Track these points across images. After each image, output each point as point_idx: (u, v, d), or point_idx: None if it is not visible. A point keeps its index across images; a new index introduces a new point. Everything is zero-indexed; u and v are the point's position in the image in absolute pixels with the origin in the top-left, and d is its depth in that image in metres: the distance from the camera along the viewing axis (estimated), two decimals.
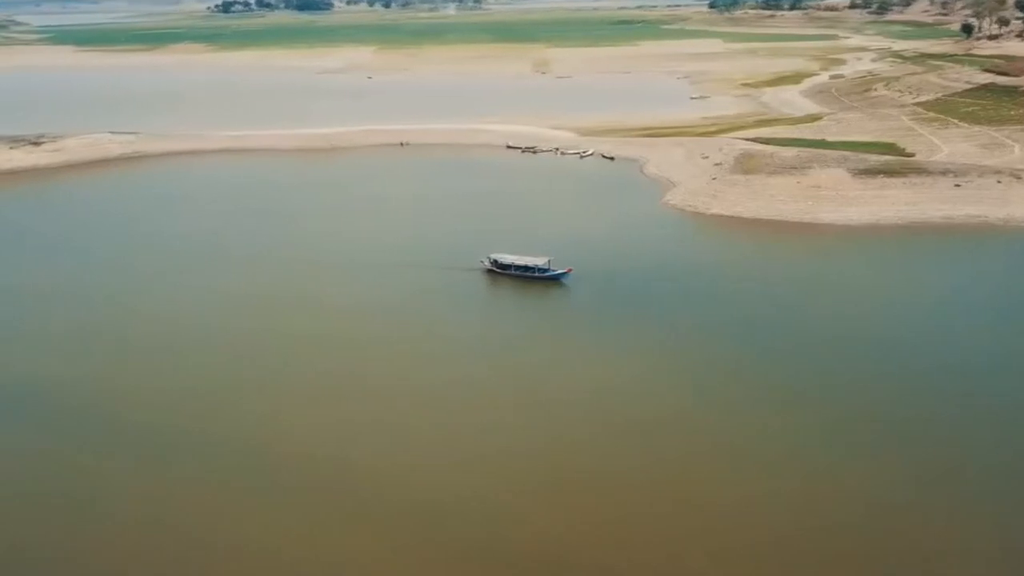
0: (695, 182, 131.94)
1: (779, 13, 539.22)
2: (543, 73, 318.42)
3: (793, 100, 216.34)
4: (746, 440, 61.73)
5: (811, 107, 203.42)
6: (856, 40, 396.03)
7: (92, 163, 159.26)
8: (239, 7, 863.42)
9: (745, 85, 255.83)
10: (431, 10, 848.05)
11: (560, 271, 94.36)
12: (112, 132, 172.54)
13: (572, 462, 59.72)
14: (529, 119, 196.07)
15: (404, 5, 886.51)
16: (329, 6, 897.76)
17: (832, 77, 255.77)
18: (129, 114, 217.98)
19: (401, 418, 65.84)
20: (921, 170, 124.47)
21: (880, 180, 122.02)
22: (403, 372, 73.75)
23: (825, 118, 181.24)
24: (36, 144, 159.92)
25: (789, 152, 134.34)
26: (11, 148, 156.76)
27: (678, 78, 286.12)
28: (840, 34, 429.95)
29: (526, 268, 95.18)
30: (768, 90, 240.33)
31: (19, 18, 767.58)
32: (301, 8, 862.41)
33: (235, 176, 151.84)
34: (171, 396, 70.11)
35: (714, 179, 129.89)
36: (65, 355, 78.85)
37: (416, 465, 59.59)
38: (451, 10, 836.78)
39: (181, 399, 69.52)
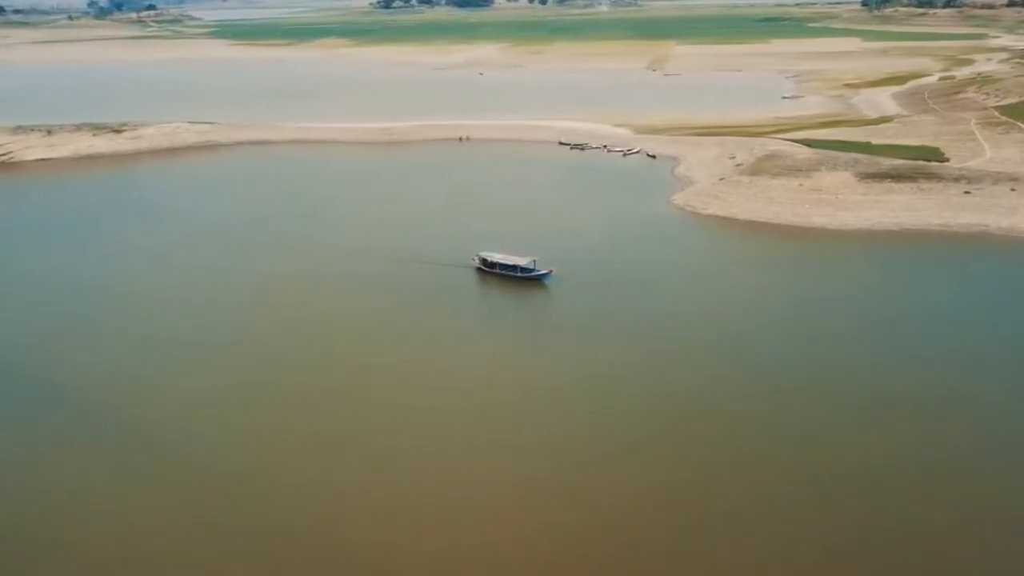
0: (708, 182, 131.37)
1: (931, 11, 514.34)
2: (654, 70, 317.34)
3: (881, 102, 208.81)
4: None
5: (892, 109, 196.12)
6: (1004, 40, 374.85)
7: (167, 150, 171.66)
8: (400, 3, 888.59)
9: (847, 85, 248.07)
10: (585, 7, 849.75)
11: (542, 272, 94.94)
12: (191, 122, 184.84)
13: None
14: (596, 116, 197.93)
15: (561, 2, 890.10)
16: (489, 2, 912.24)
17: (941, 79, 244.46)
18: (230, 104, 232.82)
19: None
20: (933, 175, 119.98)
21: (887, 185, 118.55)
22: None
23: (895, 120, 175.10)
24: (118, 132, 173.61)
25: (804, 154, 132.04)
26: (94, 135, 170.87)
27: (787, 77, 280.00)
28: (990, 33, 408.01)
29: (510, 267, 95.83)
30: (865, 91, 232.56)
31: (196, 13, 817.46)
32: (461, 4, 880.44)
33: (291, 165, 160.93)
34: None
35: (722, 179, 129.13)
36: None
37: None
38: (604, 7, 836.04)
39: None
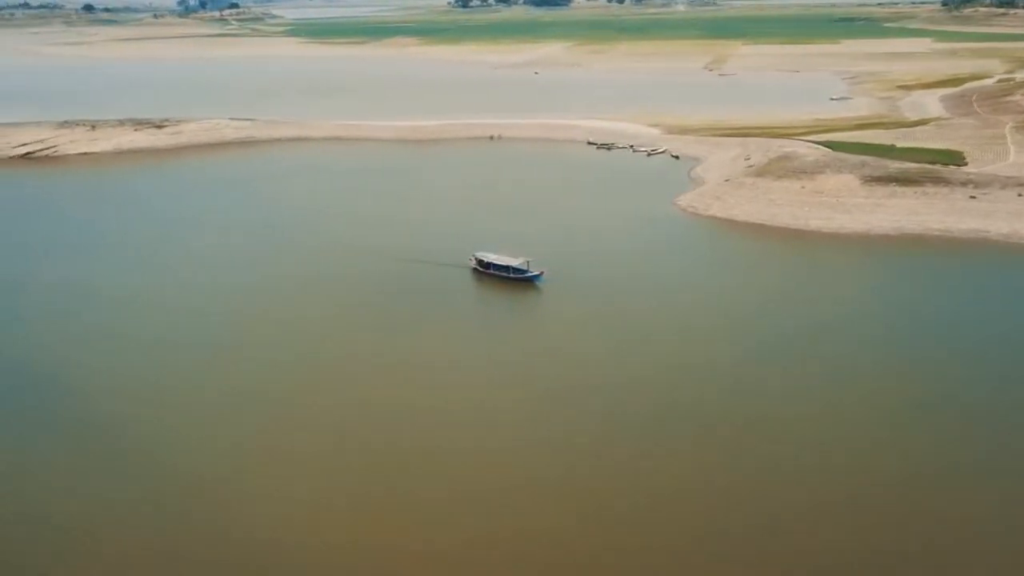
0: (715, 183, 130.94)
1: (1012, 11, 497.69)
2: (710, 70, 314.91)
3: (927, 104, 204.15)
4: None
5: (935, 112, 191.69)
6: None
7: (205, 146, 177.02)
8: (477, 2, 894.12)
9: (900, 87, 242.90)
10: (663, 6, 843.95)
11: (534, 273, 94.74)
12: (231, 118, 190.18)
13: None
14: (632, 115, 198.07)
15: (638, 1, 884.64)
16: (567, 1, 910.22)
17: (999, 81, 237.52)
18: (281, 101, 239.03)
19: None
20: (940, 180, 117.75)
21: (890, 188, 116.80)
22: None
23: (932, 123, 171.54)
24: (159, 127, 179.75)
25: (814, 156, 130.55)
26: (135, 130, 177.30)
27: (843, 78, 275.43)
28: None
29: (503, 268, 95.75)
30: (917, 93, 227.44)
31: (278, 11, 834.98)
32: (538, 4, 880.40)
33: (320, 161, 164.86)
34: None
35: (727, 181, 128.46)
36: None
37: None
38: (681, 6, 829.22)
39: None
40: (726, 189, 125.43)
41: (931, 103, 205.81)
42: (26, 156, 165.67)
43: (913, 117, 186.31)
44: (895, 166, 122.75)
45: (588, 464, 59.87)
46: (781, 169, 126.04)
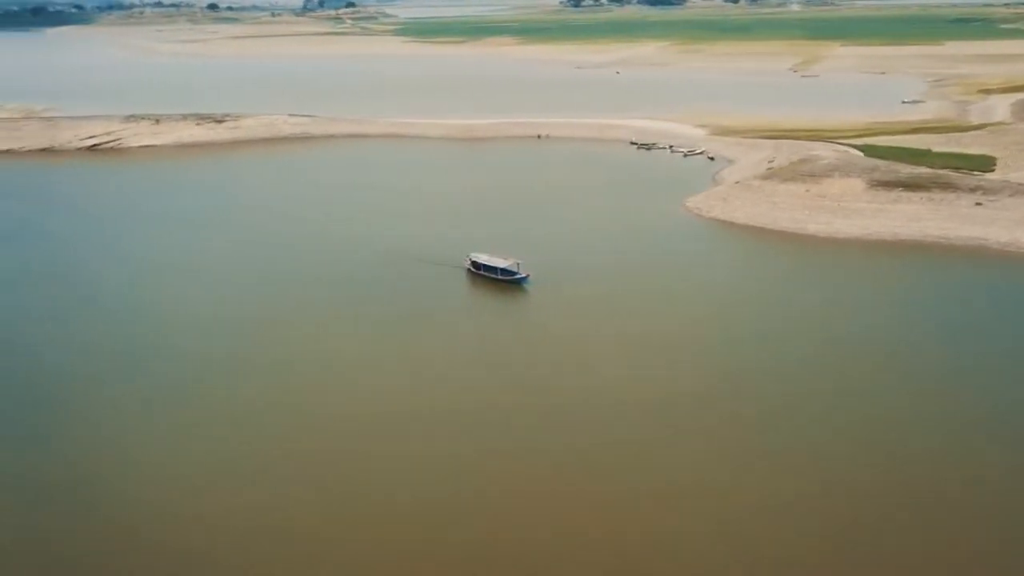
0: (727, 185, 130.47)
1: None
2: (794, 71, 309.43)
3: (994, 109, 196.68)
4: None
5: (1000, 116, 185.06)
6: None
7: (262, 141, 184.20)
8: (589, 2, 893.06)
9: (981, 91, 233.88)
10: (778, 5, 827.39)
11: (522, 275, 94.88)
12: (290, 114, 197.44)
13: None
14: (682, 116, 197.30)
15: (753, 1, 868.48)
16: (682, 0, 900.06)
17: None
18: (353, 97, 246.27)
19: None
20: (948, 185, 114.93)
21: (896, 193, 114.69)
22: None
23: (987, 128, 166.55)
24: (219, 122, 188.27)
25: (828, 159, 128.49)
26: (197, 125, 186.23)
27: (927, 81, 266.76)
28: None
29: (491, 269, 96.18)
30: (994, 97, 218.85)
31: (391, 10, 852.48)
32: (652, 3, 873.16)
33: (365, 157, 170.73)
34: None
35: (736, 183, 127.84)
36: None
37: None
38: (796, 6, 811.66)
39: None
40: (733, 191, 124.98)
41: (1001, 108, 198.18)
42: (92, 148, 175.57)
43: (976, 121, 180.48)
44: (907, 171, 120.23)
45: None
46: (793, 172, 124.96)
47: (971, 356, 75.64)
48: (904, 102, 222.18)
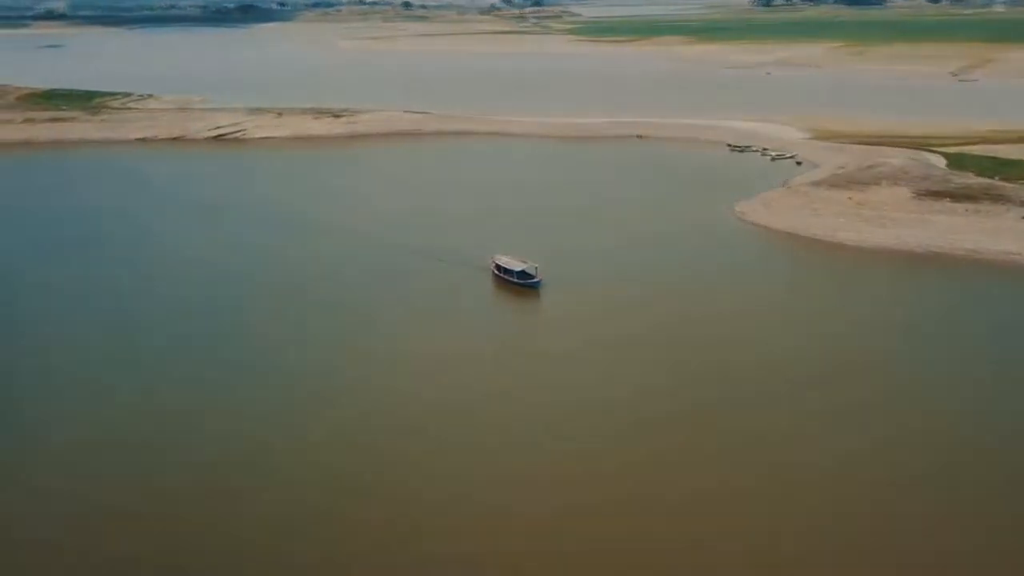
0: (778, 190, 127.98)
1: None
2: (954, 75, 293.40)
3: None
4: None
5: None
6: None
7: (375, 135, 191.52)
8: (781, 1, 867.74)
9: None
10: (983, 6, 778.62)
11: (535, 279, 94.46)
12: (406, 110, 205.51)
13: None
14: (787, 118, 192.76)
15: (955, 2, 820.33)
16: (881, 1, 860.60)
17: None
18: (484, 94, 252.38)
19: None
20: (1000, 197, 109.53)
21: (943, 203, 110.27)
22: None
23: None
24: (336, 117, 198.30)
25: (890, 167, 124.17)
26: (314, 119, 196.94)
27: None
28: None
29: (508, 271, 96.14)
30: None
31: (576, 9, 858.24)
32: (850, 3, 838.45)
33: (465, 155, 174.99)
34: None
35: (785, 187, 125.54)
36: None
37: None
38: (1000, 7, 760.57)
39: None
40: (779, 196, 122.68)
41: None
42: (217, 138, 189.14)
43: None
44: (959, 180, 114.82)
45: None
46: (847, 179, 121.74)
47: (926, 363, 73.35)
48: None
